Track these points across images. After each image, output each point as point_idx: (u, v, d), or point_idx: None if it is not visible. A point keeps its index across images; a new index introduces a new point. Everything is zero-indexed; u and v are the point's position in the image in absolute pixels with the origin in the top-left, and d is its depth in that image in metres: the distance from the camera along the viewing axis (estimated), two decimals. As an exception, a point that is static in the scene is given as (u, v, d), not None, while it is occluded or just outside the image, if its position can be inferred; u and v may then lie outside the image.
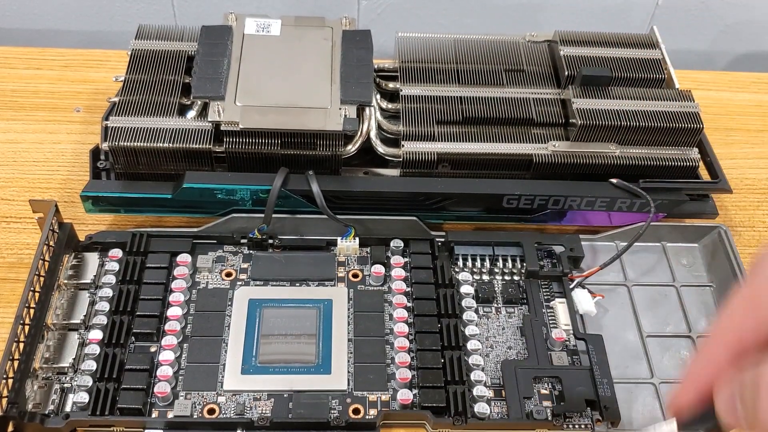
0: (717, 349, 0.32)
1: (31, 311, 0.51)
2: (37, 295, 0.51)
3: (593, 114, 0.59)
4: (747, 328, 0.31)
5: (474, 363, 0.52)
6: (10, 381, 0.47)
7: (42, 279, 0.52)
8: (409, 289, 0.56)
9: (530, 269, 0.57)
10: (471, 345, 0.53)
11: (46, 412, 0.49)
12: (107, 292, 0.54)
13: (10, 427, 0.47)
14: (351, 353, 0.53)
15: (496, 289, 0.57)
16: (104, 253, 0.57)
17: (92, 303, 0.54)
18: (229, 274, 0.57)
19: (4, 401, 0.47)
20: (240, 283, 0.56)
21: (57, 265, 0.54)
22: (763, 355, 0.29)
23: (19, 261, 0.59)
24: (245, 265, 0.57)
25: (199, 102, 0.58)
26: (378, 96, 0.63)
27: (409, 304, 0.55)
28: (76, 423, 0.48)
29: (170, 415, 0.49)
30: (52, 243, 0.54)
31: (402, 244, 0.58)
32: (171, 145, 0.56)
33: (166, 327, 0.53)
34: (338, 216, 0.57)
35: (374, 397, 0.51)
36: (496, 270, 0.58)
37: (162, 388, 0.49)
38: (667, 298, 0.60)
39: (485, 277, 0.58)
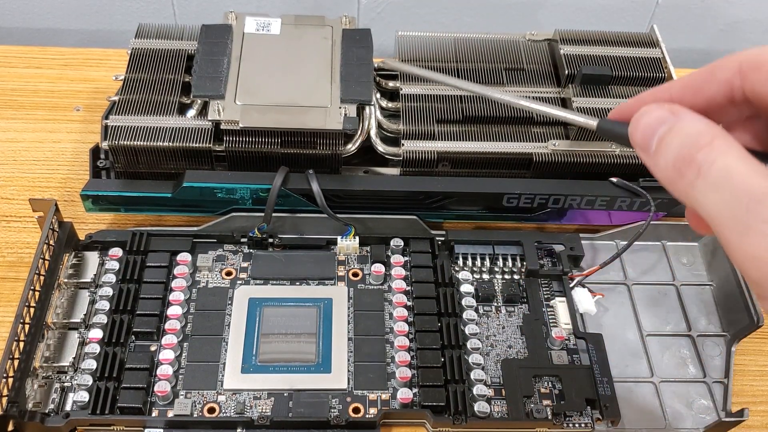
0: (667, 87, 0.33)
1: (32, 310, 0.51)
2: (37, 294, 0.51)
3: (593, 113, 0.59)
4: (704, 86, 0.32)
5: (474, 362, 0.52)
6: (11, 380, 0.47)
7: (42, 278, 0.52)
8: (409, 287, 0.56)
9: (530, 268, 0.57)
10: (471, 344, 0.53)
11: (47, 411, 0.49)
12: (107, 291, 0.54)
13: (10, 426, 0.47)
14: (351, 352, 0.53)
15: (497, 287, 0.57)
16: (104, 252, 0.57)
17: (92, 302, 0.54)
18: (229, 273, 0.57)
19: (5, 400, 0.47)
20: (240, 282, 0.56)
21: (57, 264, 0.54)
22: (692, 114, 0.30)
23: (19, 260, 0.59)
24: (245, 264, 0.57)
25: (199, 101, 0.58)
26: (378, 95, 0.63)
27: (409, 303, 0.55)
28: (76, 422, 0.48)
29: (170, 414, 0.49)
30: (52, 242, 0.54)
31: (402, 243, 0.58)
32: (171, 144, 0.56)
33: (167, 326, 0.53)
34: (338, 215, 0.57)
35: (374, 396, 0.51)
36: (496, 269, 0.58)
37: (162, 387, 0.49)
38: (667, 297, 0.59)
39: (485, 276, 0.58)
